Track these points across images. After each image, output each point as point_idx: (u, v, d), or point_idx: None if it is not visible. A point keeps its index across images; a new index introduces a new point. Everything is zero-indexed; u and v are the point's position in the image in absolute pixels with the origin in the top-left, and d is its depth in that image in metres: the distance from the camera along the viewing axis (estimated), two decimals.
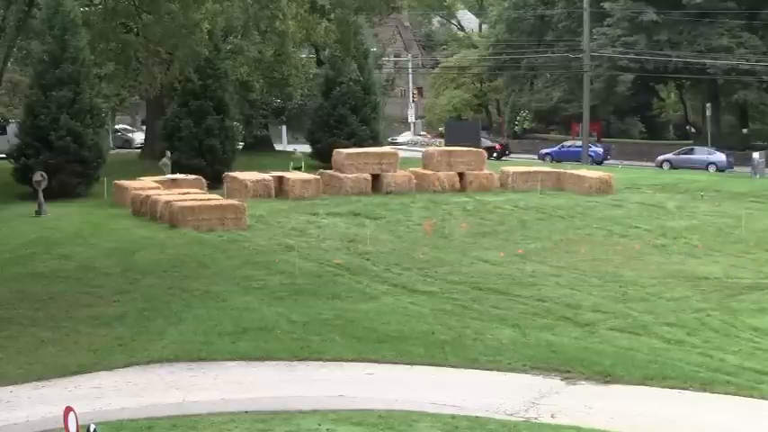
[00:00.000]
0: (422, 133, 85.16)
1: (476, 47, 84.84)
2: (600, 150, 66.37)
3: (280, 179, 40.33)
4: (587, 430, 14.30)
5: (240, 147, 49.08)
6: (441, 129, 78.01)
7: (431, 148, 49.55)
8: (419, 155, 48.86)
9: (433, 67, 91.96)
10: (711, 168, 58.62)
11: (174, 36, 26.46)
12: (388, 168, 42.06)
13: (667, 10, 63.48)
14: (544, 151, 68.23)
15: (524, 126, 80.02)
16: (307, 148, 54.92)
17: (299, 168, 40.28)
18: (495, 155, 63.48)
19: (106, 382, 16.76)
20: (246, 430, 14.10)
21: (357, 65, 48.29)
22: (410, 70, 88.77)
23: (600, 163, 62.05)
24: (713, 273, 26.34)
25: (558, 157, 64.54)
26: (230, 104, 46.27)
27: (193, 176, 40.53)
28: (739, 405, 15.73)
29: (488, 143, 65.41)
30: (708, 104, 63.87)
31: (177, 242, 30.39)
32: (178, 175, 40.56)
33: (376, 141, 51.68)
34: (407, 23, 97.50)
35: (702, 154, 61.30)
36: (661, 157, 61.75)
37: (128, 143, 68.50)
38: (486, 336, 19.61)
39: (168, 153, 42.76)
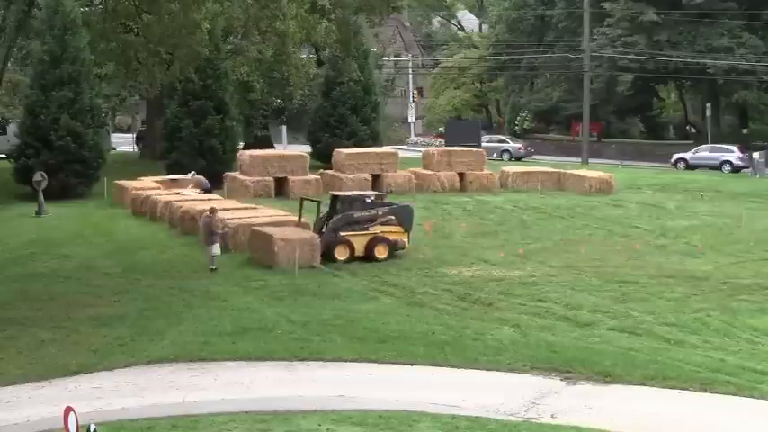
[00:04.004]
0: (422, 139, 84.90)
1: (476, 47, 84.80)
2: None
3: (281, 180, 40.32)
4: (587, 430, 14.30)
5: (240, 147, 49.05)
6: (441, 129, 77.95)
7: (431, 149, 49.54)
8: (419, 155, 48.89)
9: (433, 68, 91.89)
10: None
11: (174, 36, 26.46)
12: (388, 168, 42.07)
13: (667, 10, 63.46)
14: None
15: (524, 126, 79.99)
16: (307, 148, 54.95)
17: None
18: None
19: (106, 382, 16.76)
20: (246, 430, 14.11)
21: (357, 65, 48.26)
22: (410, 70, 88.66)
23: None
24: (713, 273, 26.34)
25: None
26: (230, 104, 46.26)
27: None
28: (739, 405, 15.72)
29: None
30: (708, 104, 63.83)
31: (177, 242, 30.41)
32: (178, 176, 40.55)
33: (376, 141, 51.68)
34: (407, 23, 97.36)
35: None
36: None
37: None
38: (486, 336, 19.60)
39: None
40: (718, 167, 56.65)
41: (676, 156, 59.54)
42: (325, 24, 32.42)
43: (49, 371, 17.36)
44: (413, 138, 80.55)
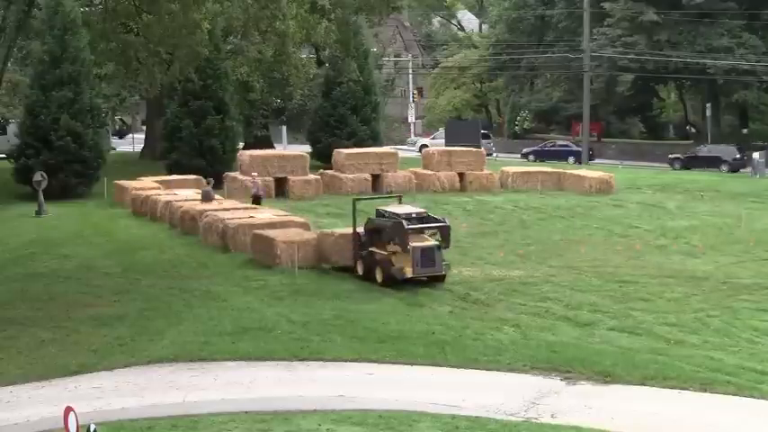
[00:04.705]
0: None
1: (476, 47, 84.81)
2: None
3: (281, 180, 40.32)
4: (587, 430, 14.30)
5: (240, 147, 49.09)
6: (441, 129, 77.91)
7: (431, 149, 49.57)
8: (419, 155, 48.91)
9: (433, 68, 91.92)
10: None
11: (174, 36, 26.47)
12: (388, 168, 42.07)
13: (667, 10, 63.46)
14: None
15: (524, 126, 80.00)
16: (307, 148, 54.96)
17: None
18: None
19: (106, 382, 16.75)
20: (246, 430, 14.10)
21: (357, 65, 48.30)
22: (410, 70, 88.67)
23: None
24: (713, 273, 26.33)
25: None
26: (230, 104, 46.28)
27: (194, 176, 40.54)
28: (739, 405, 15.72)
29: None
30: (708, 104, 63.82)
31: (177, 242, 30.41)
32: (176, 176, 40.58)
33: (376, 141, 51.70)
34: (407, 23, 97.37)
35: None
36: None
37: None
38: (486, 336, 19.59)
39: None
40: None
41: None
42: (325, 24, 32.45)
43: (49, 371, 17.35)
44: (412, 137, 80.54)
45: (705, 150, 61.06)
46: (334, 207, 37.08)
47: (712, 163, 58.56)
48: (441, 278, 24.47)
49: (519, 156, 66.24)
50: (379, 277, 24.36)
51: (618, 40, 64.86)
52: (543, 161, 61.52)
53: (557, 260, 27.97)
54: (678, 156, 61.54)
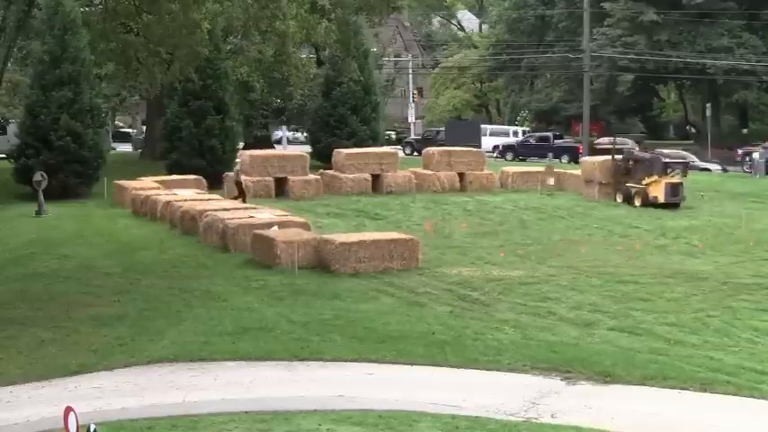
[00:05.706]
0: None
1: (476, 47, 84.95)
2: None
3: (281, 180, 40.33)
4: (587, 430, 14.29)
5: (240, 147, 49.11)
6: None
7: (431, 149, 49.60)
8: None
9: (433, 68, 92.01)
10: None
11: (174, 36, 26.45)
12: (388, 168, 42.07)
13: (667, 10, 63.52)
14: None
15: (524, 126, 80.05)
16: (307, 148, 54.98)
17: None
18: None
19: (106, 382, 16.74)
20: (246, 430, 14.09)
21: (357, 65, 48.33)
22: (410, 70, 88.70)
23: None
24: (713, 273, 26.33)
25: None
26: (230, 104, 46.29)
27: (194, 176, 40.55)
28: (739, 405, 15.71)
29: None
30: (708, 104, 63.86)
31: (177, 242, 30.41)
32: (176, 176, 40.59)
33: (376, 141, 51.71)
34: (407, 23, 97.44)
35: None
36: None
37: None
38: (486, 336, 19.58)
39: None
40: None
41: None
42: (325, 24, 32.42)
43: (49, 371, 17.34)
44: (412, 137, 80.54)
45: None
46: (335, 207, 37.11)
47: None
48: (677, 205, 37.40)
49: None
50: (637, 202, 37.92)
51: (618, 40, 64.93)
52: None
53: (557, 260, 27.97)
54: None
